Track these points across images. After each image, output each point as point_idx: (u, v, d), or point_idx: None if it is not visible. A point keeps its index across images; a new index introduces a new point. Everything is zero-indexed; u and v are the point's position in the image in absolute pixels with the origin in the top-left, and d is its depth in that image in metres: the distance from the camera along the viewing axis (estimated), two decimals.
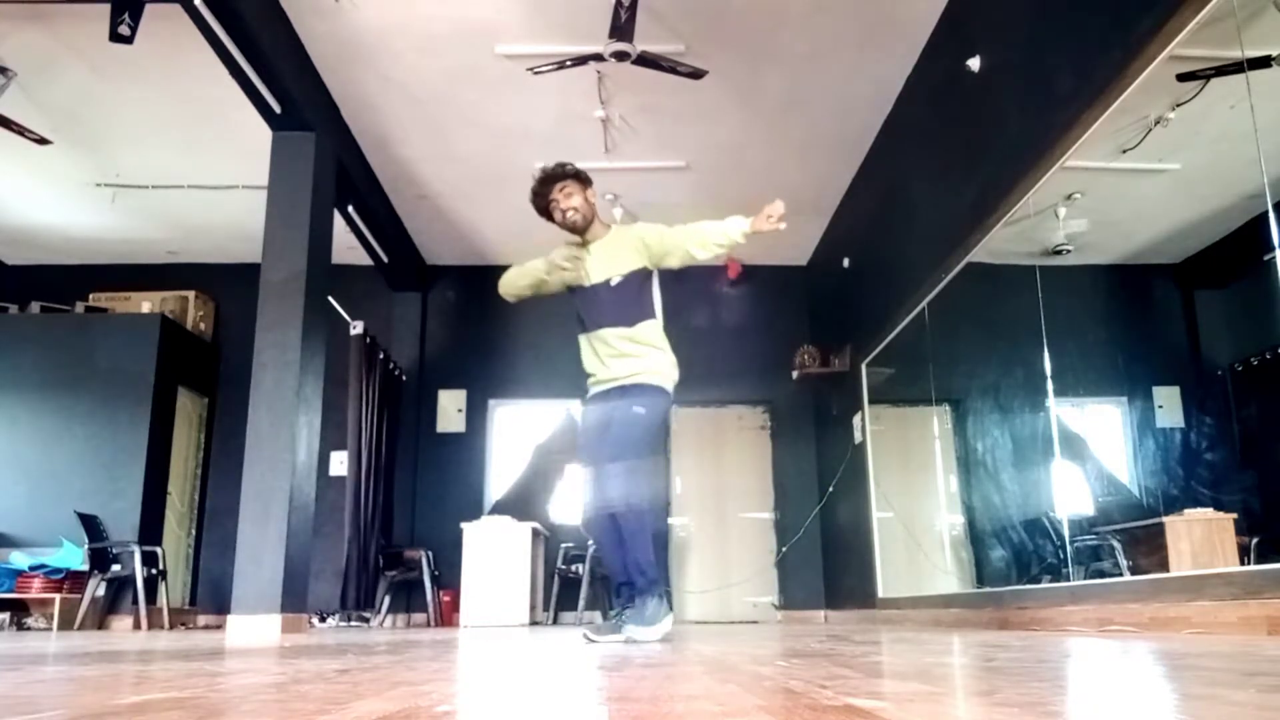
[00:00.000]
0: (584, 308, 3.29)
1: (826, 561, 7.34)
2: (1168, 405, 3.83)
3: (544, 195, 3.24)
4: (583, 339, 3.32)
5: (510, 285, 3.38)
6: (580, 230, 3.27)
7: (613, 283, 3.22)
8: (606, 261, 3.26)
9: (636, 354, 3.21)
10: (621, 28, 4.35)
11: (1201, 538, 3.19)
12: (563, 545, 6.97)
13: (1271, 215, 2.41)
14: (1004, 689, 1.11)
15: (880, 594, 5.83)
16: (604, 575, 7.09)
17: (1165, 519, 3.34)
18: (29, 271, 7.87)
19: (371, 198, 6.33)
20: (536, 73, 4.76)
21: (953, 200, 4.60)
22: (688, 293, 7.85)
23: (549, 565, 7.11)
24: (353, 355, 6.60)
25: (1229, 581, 2.47)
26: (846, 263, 6.72)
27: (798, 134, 5.90)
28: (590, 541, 6.82)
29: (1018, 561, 4.24)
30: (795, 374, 7.12)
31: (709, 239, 3.15)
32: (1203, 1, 2.61)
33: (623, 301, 3.22)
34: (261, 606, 4.58)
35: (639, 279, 3.25)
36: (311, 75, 5.13)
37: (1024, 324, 3.84)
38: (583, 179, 3.27)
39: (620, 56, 4.54)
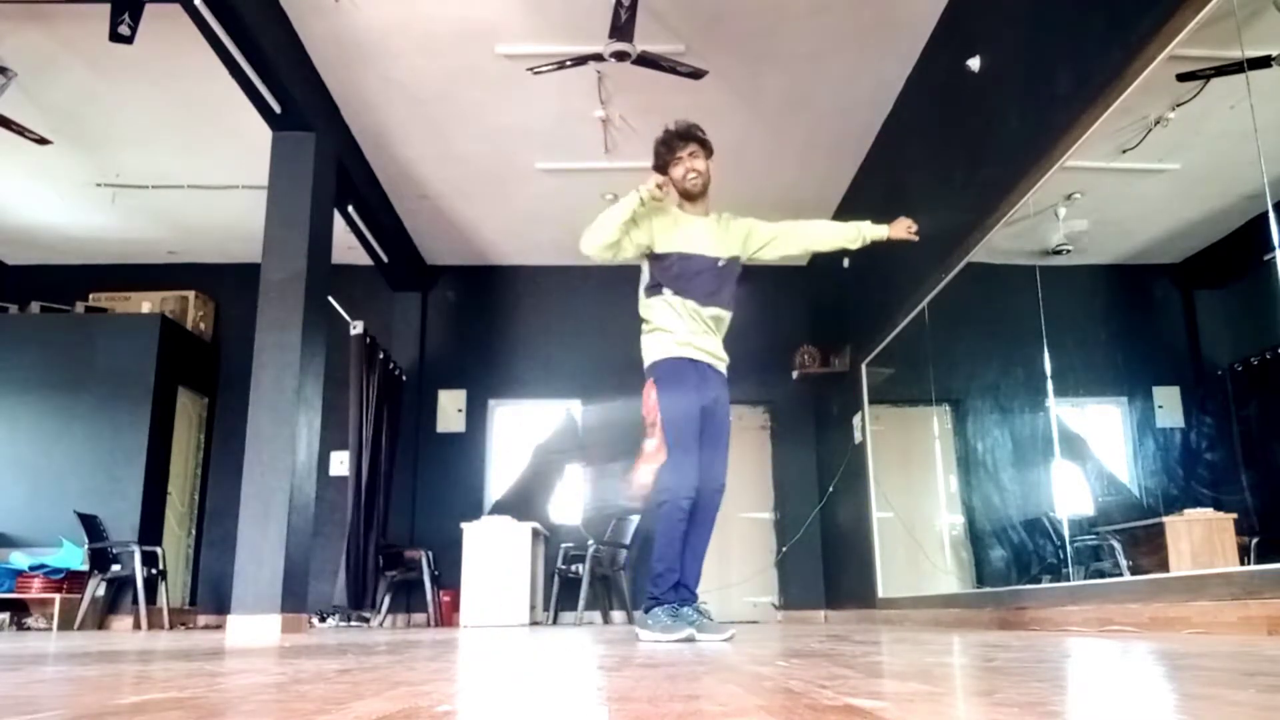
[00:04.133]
0: (683, 276, 3.16)
1: (826, 561, 7.34)
2: (1168, 405, 3.83)
3: (671, 150, 3.20)
4: (676, 301, 3.16)
5: (597, 242, 3.09)
6: (692, 198, 3.24)
7: (720, 263, 3.22)
8: (714, 239, 3.23)
9: (721, 339, 3.27)
10: (621, 28, 4.35)
11: (1201, 538, 3.19)
12: (563, 545, 6.96)
13: (1271, 215, 2.41)
14: (1004, 689, 1.11)
15: (880, 594, 5.83)
16: (604, 575, 7.10)
17: (1165, 519, 3.34)
18: (29, 271, 7.87)
19: (371, 198, 6.33)
20: (536, 73, 4.76)
21: (953, 200, 4.60)
22: None
23: (549, 565, 7.11)
24: (353, 355, 6.59)
25: (1229, 581, 2.47)
26: (846, 263, 6.71)
27: (798, 134, 5.90)
28: (591, 540, 6.83)
29: (1018, 561, 4.24)
30: (795, 374, 7.12)
31: (839, 235, 3.36)
32: (1203, 1, 2.61)
33: (726, 285, 3.24)
34: (261, 606, 4.58)
35: (737, 268, 3.29)
36: (311, 75, 5.13)
37: (1024, 324, 3.84)
38: (709, 149, 3.26)
39: (620, 56, 4.54)
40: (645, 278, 3.27)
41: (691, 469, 3.07)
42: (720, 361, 3.26)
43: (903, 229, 3.38)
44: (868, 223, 3.38)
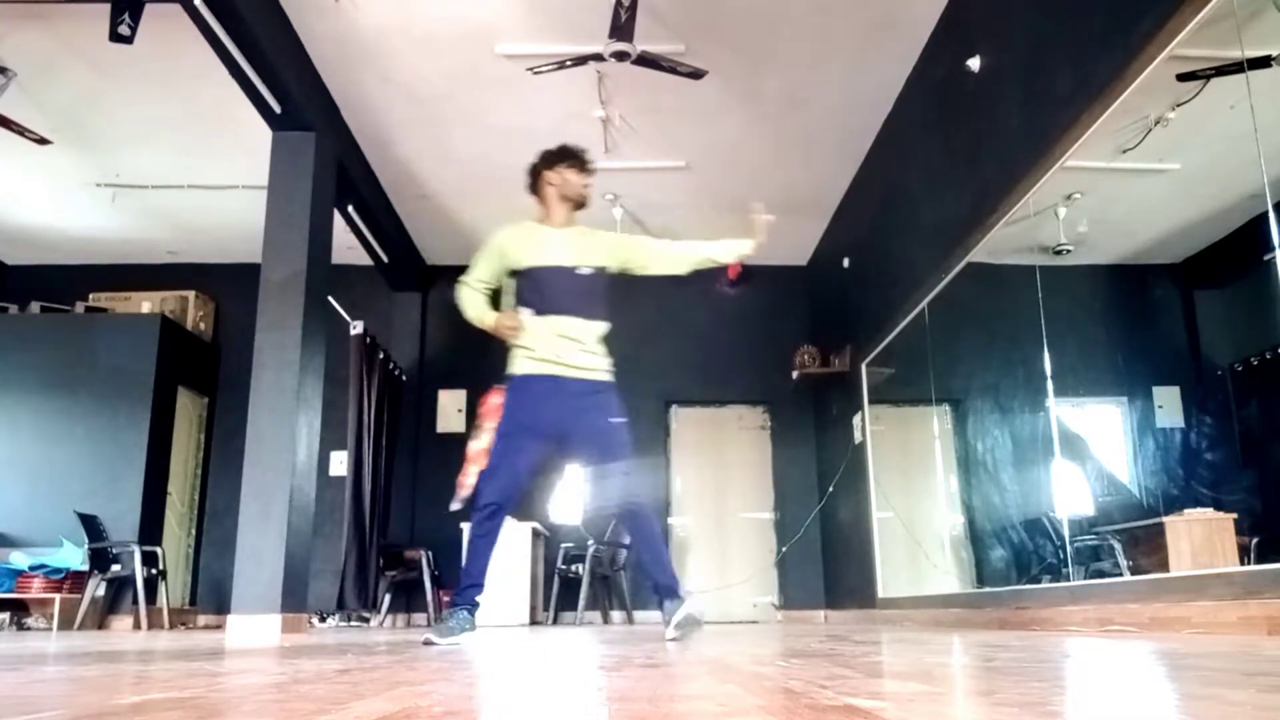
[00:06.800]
0: (545, 290, 3.18)
1: (826, 561, 7.34)
2: (1168, 405, 3.83)
3: (583, 166, 3.26)
4: (534, 322, 3.16)
5: (474, 309, 3.32)
6: (577, 208, 3.29)
7: (579, 271, 3.19)
8: (575, 250, 3.21)
9: (595, 350, 3.19)
10: (621, 28, 4.35)
11: (1202, 538, 3.19)
12: (563, 545, 6.97)
13: (1271, 215, 2.41)
14: (1004, 689, 1.11)
15: (880, 594, 5.83)
16: (604, 575, 7.10)
17: (1165, 519, 3.34)
18: (29, 271, 7.87)
19: (371, 198, 6.33)
20: (536, 73, 4.76)
21: (953, 200, 4.60)
22: (687, 293, 7.85)
23: (549, 565, 7.11)
24: (353, 355, 6.59)
25: (1229, 581, 2.47)
26: (846, 263, 6.72)
27: (798, 134, 5.90)
28: (590, 540, 6.84)
29: (1018, 561, 4.24)
30: (795, 374, 7.12)
31: (714, 253, 3.28)
32: (1203, 1, 2.61)
33: (588, 294, 3.20)
34: (261, 606, 4.58)
35: (605, 279, 3.26)
36: (311, 75, 5.13)
37: (1024, 324, 3.84)
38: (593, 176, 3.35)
39: (620, 56, 4.54)
40: (512, 296, 3.28)
41: (496, 479, 3.09)
42: (587, 372, 3.14)
43: (761, 230, 3.26)
44: (731, 240, 3.30)
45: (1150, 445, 3.86)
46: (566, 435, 3.15)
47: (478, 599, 3.14)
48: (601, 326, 3.22)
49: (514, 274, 3.24)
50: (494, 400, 3.24)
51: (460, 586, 3.16)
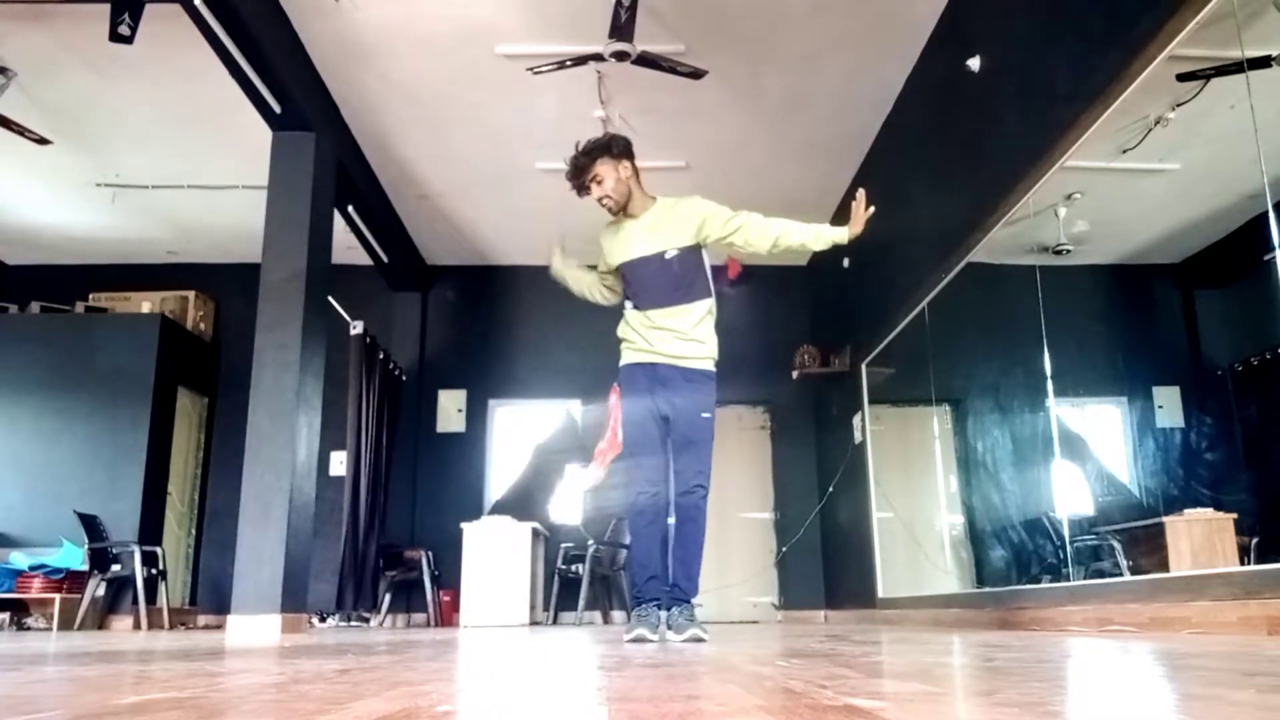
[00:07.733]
0: (639, 283, 3.18)
1: (826, 561, 7.34)
2: (1168, 405, 3.83)
3: (577, 187, 3.20)
4: (633, 316, 3.22)
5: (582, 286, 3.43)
6: (619, 211, 3.21)
7: (665, 256, 3.14)
8: (656, 236, 3.16)
9: (693, 337, 3.15)
10: (621, 28, 4.35)
11: (1201, 538, 3.19)
12: (563, 545, 6.96)
13: (1271, 215, 2.41)
14: (1004, 689, 1.11)
15: (880, 594, 5.83)
16: (604, 575, 7.10)
17: (1165, 519, 3.34)
18: (29, 271, 7.87)
19: (371, 198, 6.33)
20: (536, 73, 4.76)
21: (953, 200, 4.60)
22: None
23: (549, 565, 7.11)
24: (353, 355, 6.59)
25: (1229, 581, 2.47)
26: (846, 263, 6.71)
27: (798, 134, 5.90)
28: (591, 540, 6.83)
29: (1018, 561, 4.24)
30: (795, 374, 7.12)
31: (802, 234, 3.16)
32: (1203, 1, 2.61)
33: (679, 277, 3.15)
34: (261, 606, 4.58)
35: (696, 254, 3.20)
36: (311, 75, 5.13)
37: (1024, 324, 3.84)
38: (613, 153, 3.15)
39: (620, 56, 4.54)
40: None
41: (642, 470, 3.15)
42: (683, 360, 3.14)
43: (861, 221, 3.14)
44: (827, 225, 3.21)
45: (1150, 445, 3.86)
46: (665, 417, 3.17)
47: (663, 590, 3.07)
48: (701, 305, 3.18)
49: (617, 273, 3.29)
50: (614, 399, 3.28)
51: (639, 581, 3.11)
